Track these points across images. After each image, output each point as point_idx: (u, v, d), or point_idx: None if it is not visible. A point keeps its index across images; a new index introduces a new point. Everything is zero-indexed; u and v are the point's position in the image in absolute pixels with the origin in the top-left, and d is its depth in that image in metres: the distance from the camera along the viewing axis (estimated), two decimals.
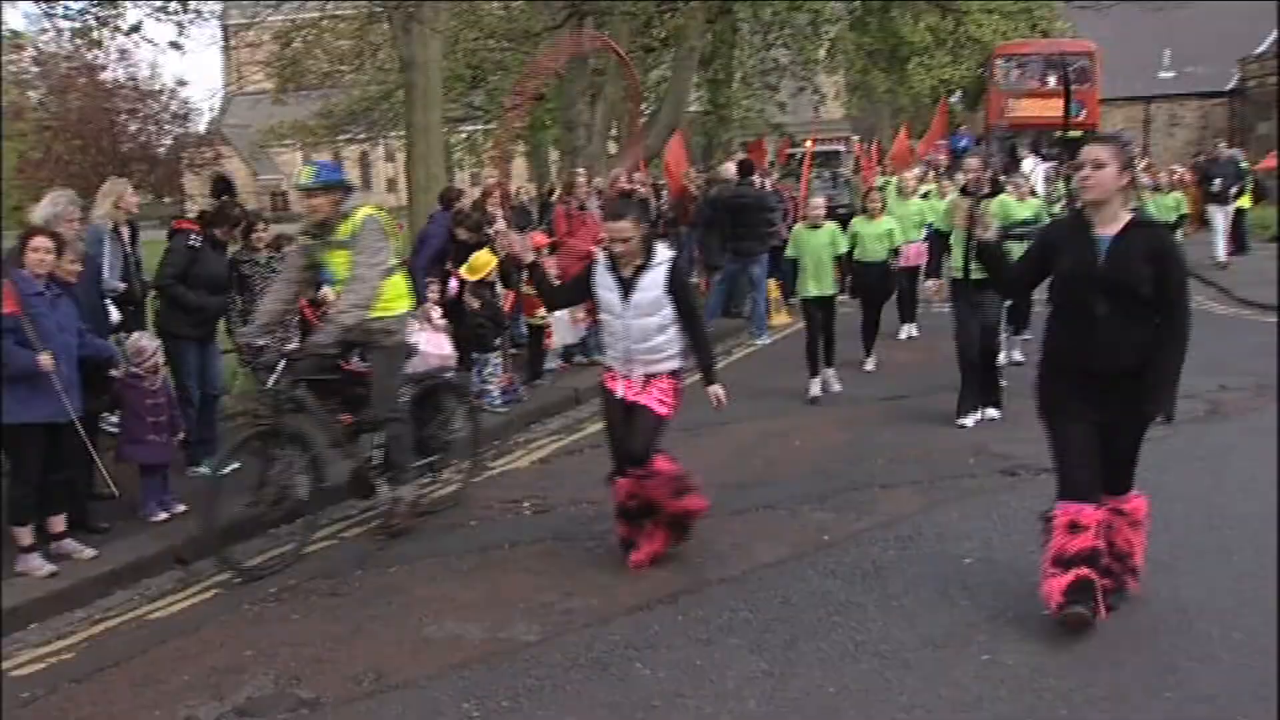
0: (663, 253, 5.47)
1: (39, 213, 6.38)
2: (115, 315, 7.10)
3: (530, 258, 5.95)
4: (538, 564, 5.81)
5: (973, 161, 8.59)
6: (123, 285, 7.19)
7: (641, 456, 5.45)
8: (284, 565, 5.89)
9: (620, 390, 5.55)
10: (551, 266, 10.18)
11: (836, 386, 9.63)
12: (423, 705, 4.27)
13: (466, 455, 7.31)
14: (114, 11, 10.65)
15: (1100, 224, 4.42)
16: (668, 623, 4.90)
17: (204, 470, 7.31)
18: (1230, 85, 38.42)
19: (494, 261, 9.37)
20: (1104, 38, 30.44)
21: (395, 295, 6.29)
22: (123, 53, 26.09)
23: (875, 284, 10.44)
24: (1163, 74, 39.57)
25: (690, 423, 8.36)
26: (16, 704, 4.49)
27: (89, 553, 5.93)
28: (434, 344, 9.68)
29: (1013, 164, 22.65)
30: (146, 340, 6.53)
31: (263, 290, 7.55)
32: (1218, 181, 17.88)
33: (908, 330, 12.27)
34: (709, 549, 5.82)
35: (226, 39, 35.85)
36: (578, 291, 5.78)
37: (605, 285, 5.49)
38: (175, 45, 21.58)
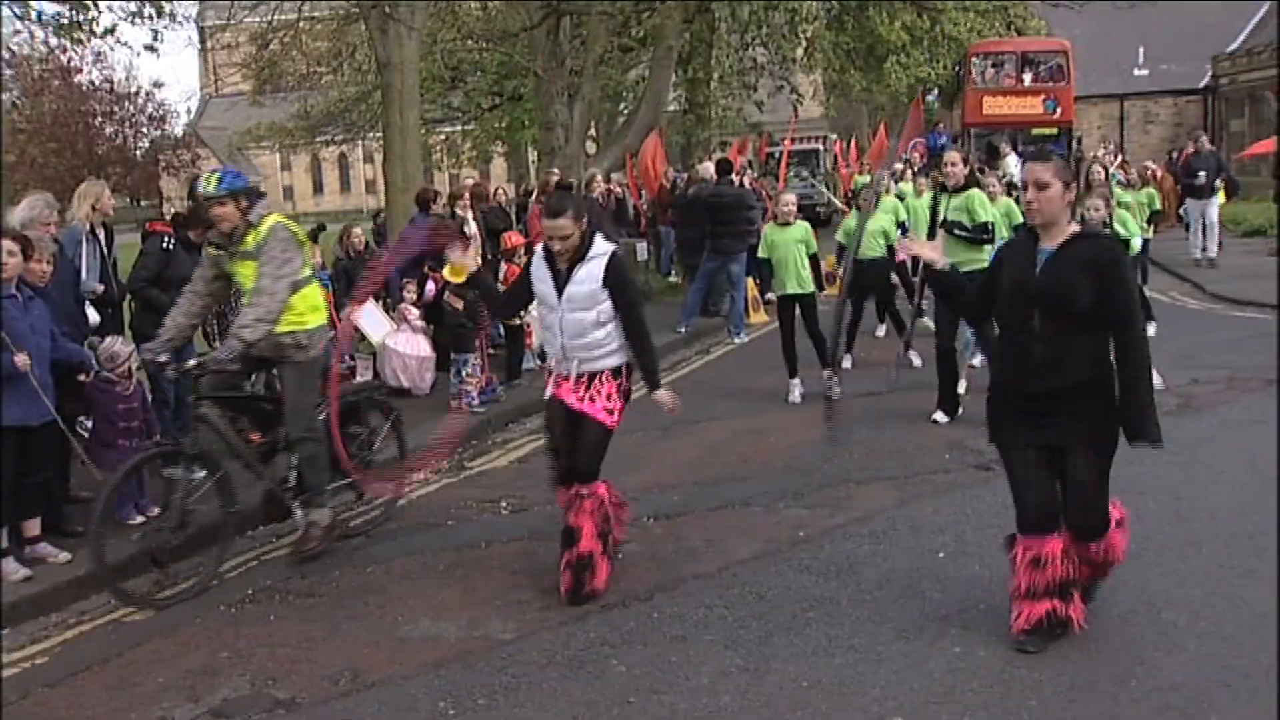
0: (601, 245, 5.15)
1: (16, 216, 6.35)
2: (94, 318, 7.08)
3: (474, 266, 5.51)
4: (514, 563, 5.82)
5: (953, 155, 8.53)
6: (101, 287, 7.16)
7: (585, 473, 5.18)
8: (192, 596, 5.57)
9: (564, 394, 5.22)
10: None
11: (838, 391, 8.84)
12: (399, 704, 4.29)
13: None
14: (87, 16, 10.60)
15: (1045, 238, 4.30)
16: (643, 620, 4.93)
17: (178, 473, 7.32)
18: (1204, 83, 38.66)
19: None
20: (1078, 36, 30.65)
21: (308, 308, 5.96)
22: (98, 55, 25.94)
23: (873, 282, 10.47)
24: (1137, 72, 39.78)
25: (666, 421, 8.42)
26: None
27: (64, 556, 5.92)
28: (412, 345, 9.72)
29: (993, 160, 22.81)
30: (120, 346, 6.51)
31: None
32: (1201, 174, 17.28)
33: (885, 328, 12.31)
34: (684, 546, 5.85)
35: (203, 41, 35.72)
36: (524, 292, 5.49)
37: (540, 277, 5.24)
38: (150, 49, 21.47)
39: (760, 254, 9.50)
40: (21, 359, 5.51)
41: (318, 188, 63.36)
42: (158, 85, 40.80)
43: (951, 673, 4.24)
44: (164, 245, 7.16)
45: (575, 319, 5.13)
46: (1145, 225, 13.28)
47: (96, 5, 10.61)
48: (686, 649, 4.60)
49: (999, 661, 4.30)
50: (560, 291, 5.14)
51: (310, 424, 6.00)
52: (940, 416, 8.16)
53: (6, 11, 11.31)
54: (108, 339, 6.56)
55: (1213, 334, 11.36)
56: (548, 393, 5.34)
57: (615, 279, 5.14)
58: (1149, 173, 17.59)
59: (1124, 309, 4.16)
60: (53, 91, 27.48)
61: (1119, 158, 24.47)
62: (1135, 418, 4.20)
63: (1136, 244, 9.94)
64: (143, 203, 34.73)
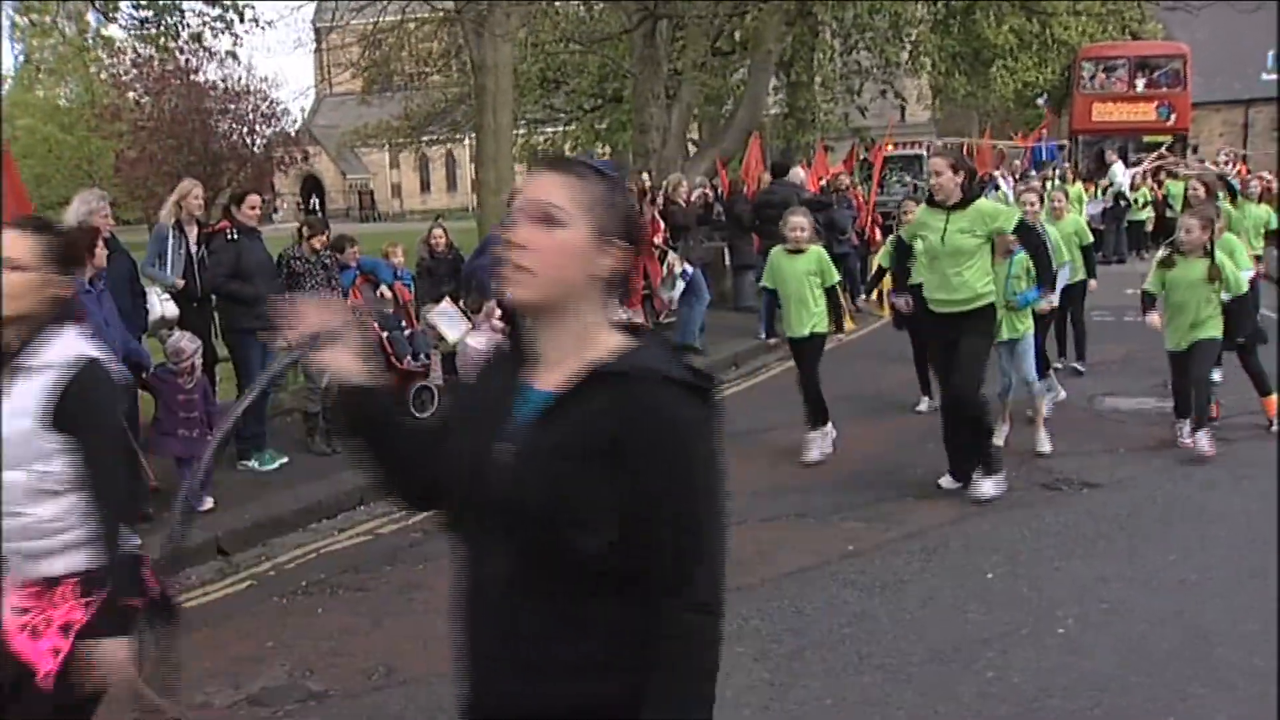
0: (64, 348, 2.71)
1: (72, 212, 6.63)
2: (173, 310, 7.34)
3: None
4: None
5: (937, 161, 7.62)
6: (181, 282, 7.42)
7: None
8: None
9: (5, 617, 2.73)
10: None
11: (816, 455, 7.69)
12: (425, 701, 4.35)
13: None
14: (170, 20, 11.03)
15: (545, 361, 1.86)
16: None
17: (253, 464, 7.57)
18: None
19: None
20: (1201, 40, 29.63)
21: None
22: (211, 53, 26.86)
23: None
24: (1265, 76, 38.20)
25: (736, 428, 8.41)
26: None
27: (134, 541, 6.13)
28: (491, 343, 9.84)
29: (1100, 169, 22.19)
30: (186, 342, 6.75)
31: (313, 287, 7.75)
32: None
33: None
34: (732, 556, 5.76)
35: (318, 40, 36.76)
36: None
37: None
38: (232, 55, 22.33)
39: (763, 282, 8.12)
40: None
41: (424, 186, 64.70)
42: (264, 80, 42.16)
43: (981, 697, 4.14)
44: (228, 238, 7.38)
45: (9, 482, 2.68)
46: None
47: (179, 10, 11.03)
48: None
49: (1032, 689, 4.19)
50: None
51: None
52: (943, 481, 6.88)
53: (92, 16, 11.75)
54: (175, 333, 6.80)
55: None
56: None
57: (75, 410, 2.69)
58: (1265, 184, 16.78)
59: (669, 561, 1.78)
60: (172, 90, 28.62)
61: (1236, 165, 23.58)
62: None
63: (1245, 279, 7.69)
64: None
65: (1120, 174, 20.57)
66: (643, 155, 19.21)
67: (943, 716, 4.03)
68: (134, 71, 29.24)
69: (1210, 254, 7.32)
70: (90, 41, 15.08)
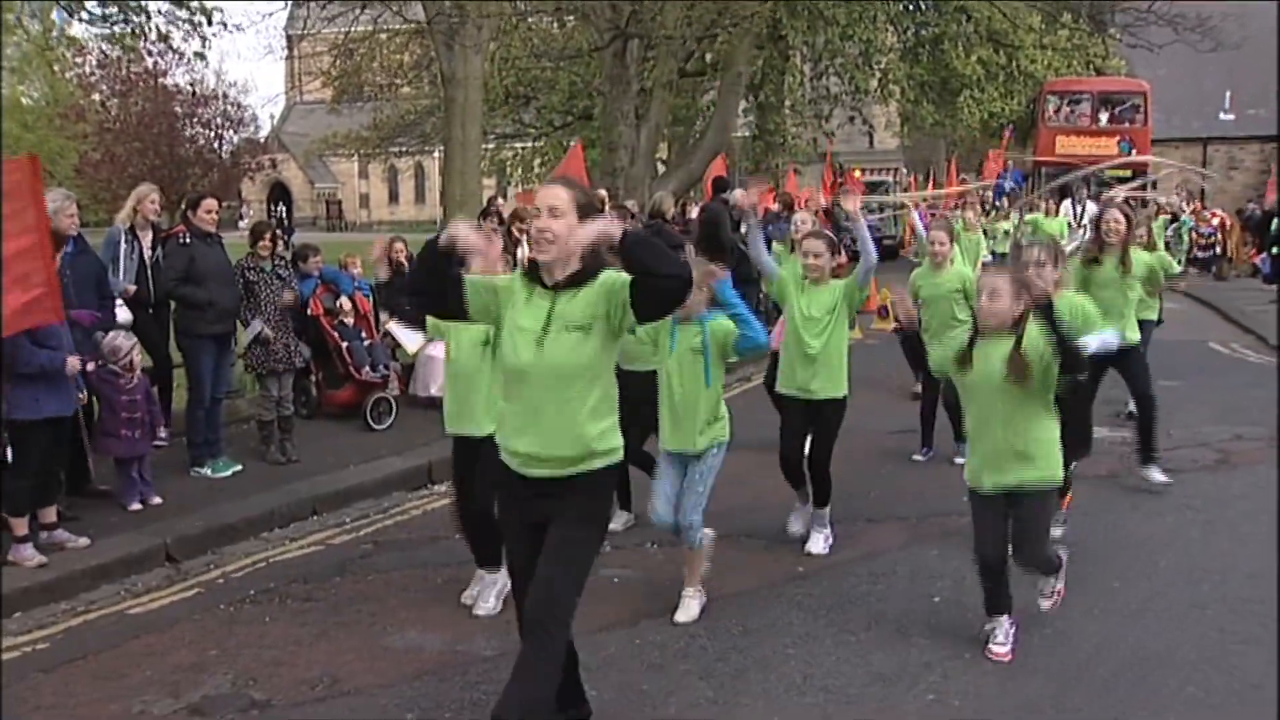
0: None
1: None
2: (126, 316, 7.28)
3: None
4: None
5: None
6: (133, 287, 7.37)
7: None
8: None
9: None
10: None
11: (820, 548, 6.20)
12: (368, 712, 4.34)
13: None
14: (137, 20, 10.94)
15: None
16: (624, 645, 4.93)
17: (206, 471, 7.52)
18: None
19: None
20: (1163, 77, 30.14)
21: None
22: (180, 56, 26.66)
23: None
24: (1223, 115, 38.89)
25: None
26: None
27: (82, 541, 6.08)
28: None
29: (1060, 201, 22.44)
30: (122, 339, 6.73)
31: (269, 297, 7.70)
32: None
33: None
34: (682, 574, 5.82)
35: (290, 47, 36.56)
36: None
37: None
38: (200, 56, 22.18)
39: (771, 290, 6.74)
40: (74, 361, 5.81)
41: (393, 197, 64.52)
42: (232, 85, 42.02)
43: None
44: (181, 242, 7.34)
45: None
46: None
47: (145, 11, 10.95)
48: (660, 678, 4.59)
49: (971, 712, 4.24)
50: None
51: None
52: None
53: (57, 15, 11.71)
54: (110, 333, 6.77)
55: (1267, 389, 11.04)
56: None
57: None
58: (1218, 219, 17.06)
59: None
60: (139, 92, 28.33)
61: (1193, 203, 23.98)
62: None
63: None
64: (224, 204, 35.52)
65: (1093, 208, 20.80)
66: (610, 174, 19.27)
67: None
68: (100, 72, 28.97)
69: (1019, 334, 4.49)
70: (55, 40, 14.95)
